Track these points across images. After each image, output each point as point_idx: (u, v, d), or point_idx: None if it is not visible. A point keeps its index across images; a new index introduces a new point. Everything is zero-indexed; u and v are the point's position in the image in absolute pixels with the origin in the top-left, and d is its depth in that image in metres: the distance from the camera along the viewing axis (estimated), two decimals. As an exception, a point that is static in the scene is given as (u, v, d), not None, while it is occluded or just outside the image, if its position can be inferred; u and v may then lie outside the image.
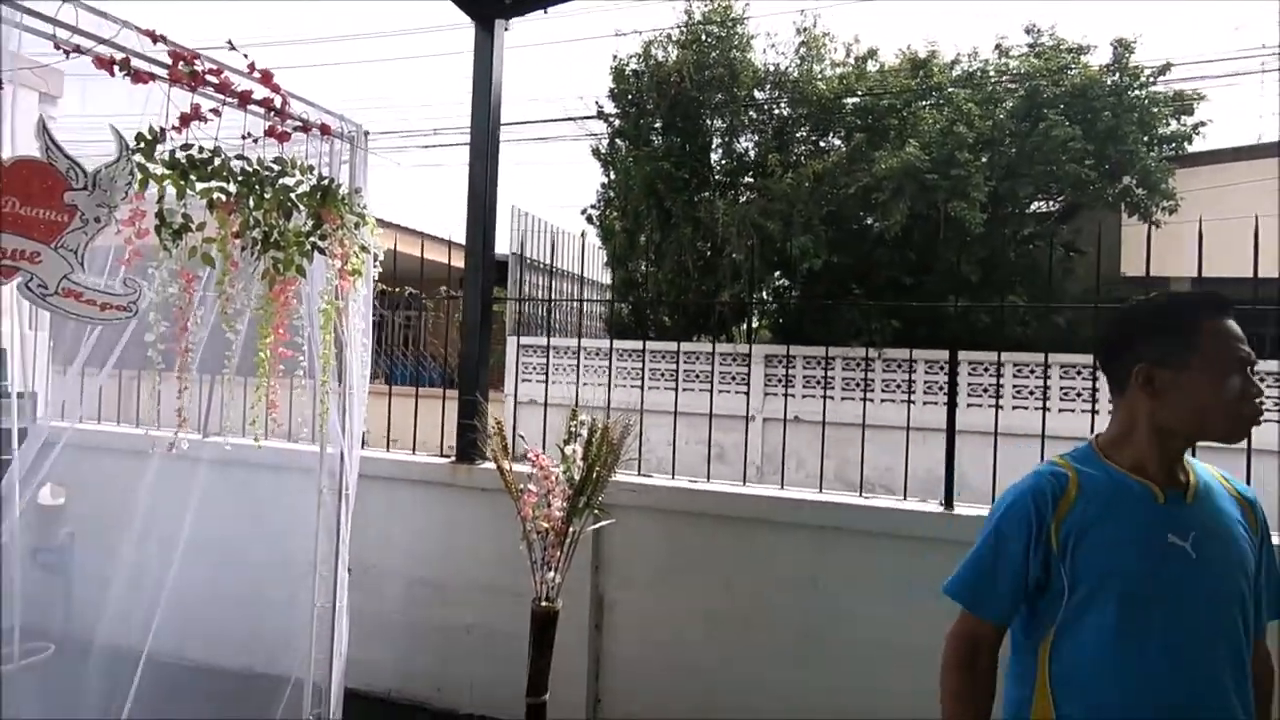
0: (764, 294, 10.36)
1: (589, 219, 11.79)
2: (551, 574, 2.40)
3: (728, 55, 9.76)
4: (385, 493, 3.24)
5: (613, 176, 11.09)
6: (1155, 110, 8.92)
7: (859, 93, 9.72)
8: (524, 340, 10.33)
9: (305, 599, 2.58)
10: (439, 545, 3.24)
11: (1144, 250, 2.93)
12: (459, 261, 3.39)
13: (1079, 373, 8.08)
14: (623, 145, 10.72)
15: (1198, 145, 9.26)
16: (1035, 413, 7.21)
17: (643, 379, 3.44)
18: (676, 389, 3.30)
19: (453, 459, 3.29)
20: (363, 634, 2.80)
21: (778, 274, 10.28)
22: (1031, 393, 8.14)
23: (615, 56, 10.81)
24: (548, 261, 10.96)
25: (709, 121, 10.08)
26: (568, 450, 2.46)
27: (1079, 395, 8.07)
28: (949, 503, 2.73)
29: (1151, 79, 9.01)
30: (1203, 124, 9.17)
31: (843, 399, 8.64)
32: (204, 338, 2.15)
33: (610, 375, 3.43)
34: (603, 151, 11.18)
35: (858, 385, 8.55)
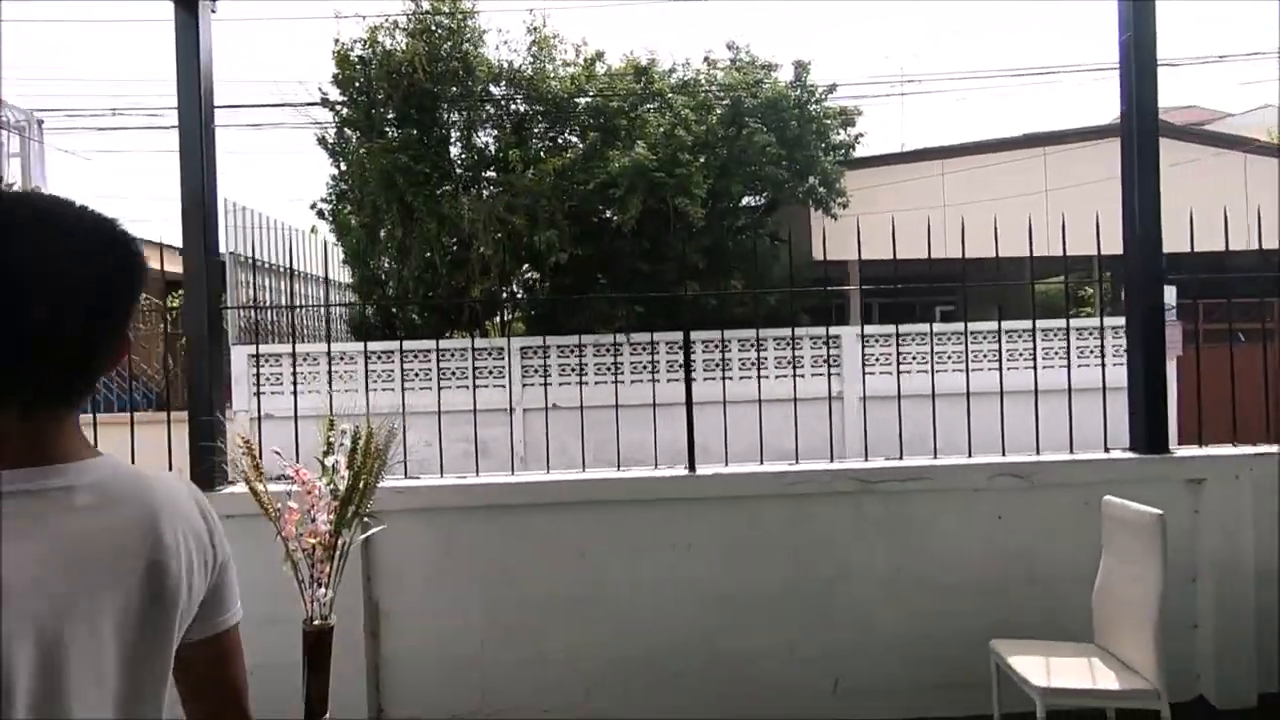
0: (514, 288, 10.50)
1: (320, 214, 10.89)
2: (323, 590, 2.33)
3: (460, 49, 9.64)
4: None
5: (344, 168, 10.36)
6: (828, 122, 10.73)
7: (590, 94, 10.23)
8: (255, 350, 9.28)
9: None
10: (177, 585, 2.90)
11: (827, 238, 3.68)
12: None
13: (787, 343, 9.49)
14: (353, 135, 10.06)
15: (859, 152, 11.43)
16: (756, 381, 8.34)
17: (400, 380, 3.41)
18: (437, 387, 3.33)
19: (186, 487, 2.96)
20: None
21: (526, 267, 10.47)
22: (752, 364, 9.37)
23: (337, 41, 10.05)
24: (276, 261, 9.94)
25: (446, 115, 9.88)
26: (328, 462, 2.39)
27: (786, 363, 9.49)
28: (692, 466, 3.14)
29: (824, 95, 10.80)
30: (861, 135, 11.33)
31: (596, 383, 9.15)
32: None
33: (365, 380, 3.33)
34: (330, 142, 10.39)
35: (607, 369, 9.11)
